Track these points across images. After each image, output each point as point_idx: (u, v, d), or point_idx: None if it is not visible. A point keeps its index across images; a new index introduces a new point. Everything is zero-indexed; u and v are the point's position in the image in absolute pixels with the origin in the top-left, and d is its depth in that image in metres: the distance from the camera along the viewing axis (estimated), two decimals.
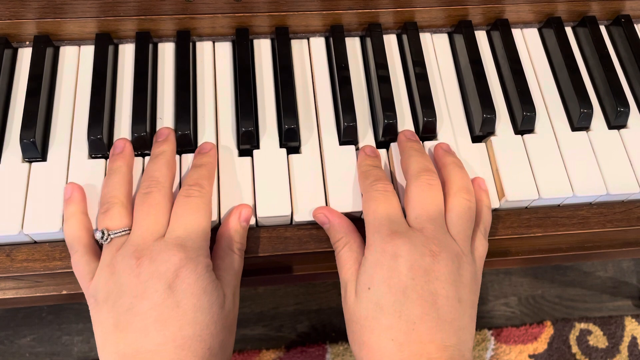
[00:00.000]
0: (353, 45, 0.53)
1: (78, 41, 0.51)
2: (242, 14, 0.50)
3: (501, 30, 0.53)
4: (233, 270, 0.42)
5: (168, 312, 0.37)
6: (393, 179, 0.46)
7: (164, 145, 0.45)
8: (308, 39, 0.53)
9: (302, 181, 0.45)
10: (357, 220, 0.45)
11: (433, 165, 0.44)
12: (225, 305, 0.40)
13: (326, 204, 0.45)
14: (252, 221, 0.44)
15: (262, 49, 0.52)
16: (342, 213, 0.44)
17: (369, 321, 0.38)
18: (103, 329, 0.38)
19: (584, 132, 0.50)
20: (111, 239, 0.40)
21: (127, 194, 0.42)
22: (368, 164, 0.45)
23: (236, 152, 0.47)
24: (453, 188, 0.43)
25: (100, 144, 0.45)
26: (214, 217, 0.43)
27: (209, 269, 0.40)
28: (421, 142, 0.48)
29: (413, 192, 0.42)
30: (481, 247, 0.43)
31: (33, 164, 0.45)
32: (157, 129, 0.47)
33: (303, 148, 0.47)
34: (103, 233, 0.40)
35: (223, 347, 0.40)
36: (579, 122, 0.49)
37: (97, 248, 0.42)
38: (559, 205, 0.48)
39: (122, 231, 0.40)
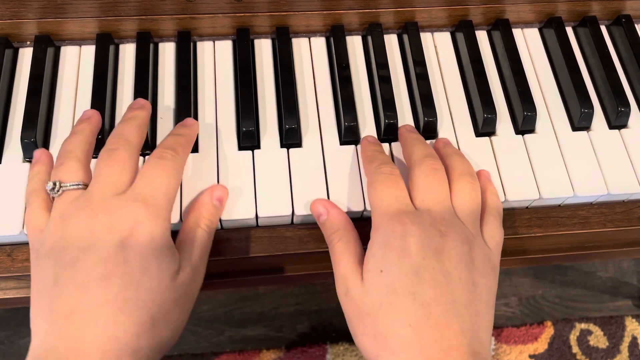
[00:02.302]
0: (354, 45, 0.53)
1: (79, 41, 0.51)
2: (242, 14, 0.51)
3: (502, 30, 0.53)
4: (197, 244, 0.40)
5: (114, 269, 0.35)
6: None
7: (138, 111, 0.43)
8: (309, 39, 0.53)
9: (302, 181, 0.45)
10: (357, 220, 0.45)
11: (436, 153, 0.44)
12: (178, 277, 0.37)
13: None
14: (253, 219, 0.44)
15: (263, 48, 0.52)
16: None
17: (383, 307, 0.36)
18: (40, 285, 0.36)
19: (584, 132, 0.50)
20: (62, 191, 0.38)
21: (85, 152, 0.40)
22: (372, 149, 0.45)
23: (237, 151, 0.47)
24: (455, 173, 0.42)
25: (100, 144, 0.45)
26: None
27: (166, 234, 0.38)
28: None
29: (418, 177, 0.41)
30: (497, 234, 0.42)
31: None
32: (158, 128, 0.47)
33: (304, 147, 0.47)
34: (54, 184, 0.38)
35: (168, 320, 0.37)
36: (580, 122, 0.49)
37: None
38: (559, 205, 0.48)
39: (75, 184, 0.38)
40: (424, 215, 0.39)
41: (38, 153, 0.42)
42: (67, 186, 0.38)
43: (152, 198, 0.37)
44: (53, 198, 0.39)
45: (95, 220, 0.36)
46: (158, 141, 0.47)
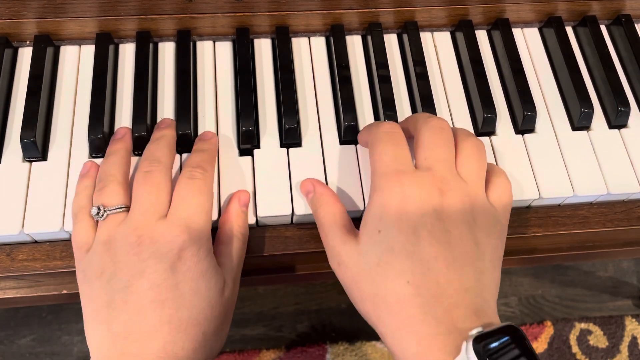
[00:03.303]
0: (353, 45, 0.53)
1: (78, 41, 0.51)
2: (242, 14, 0.50)
3: (502, 29, 0.53)
4: (236, 255, 0.42)
5: (166, 293, 0.37)
6: None
7: (166, 130, 0.44)
8: (309, 39, 0.53)
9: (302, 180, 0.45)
10: (356, 220, 0.45)
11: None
12: (224, 292, 0.40)
13: None
14: (252, 220, 0.44)
15: (263, 48, 0.52)
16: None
17: (381, 266, 0.36)
18: (94, 305, 0.38)
19: (584, 132, 0.50)
20: (107, 215, 0.39)
21: (124, 174, 0.42)
22: (373, 123, 0.44)
23: (237, 151, 0.47)
24: (461, 136, 0.41)
25: (100, 144, 0.45)
26: (215, 217, 0.43)
27: (210, 253, 0.39)
28: None
29: (423, 135, 0.40)
30: (504, 195, 0.40)
31: (33, 163, 0.45)
32: None
33: (304, 147, 0.47)
34: (99, 209, 0.39)
35: (217, 333, 0.39)
36: (580, 121, 0.49)
37: None
38: (559, 205, 0.48)
39: (118, 208, 0.39)
40: (424, 174, 0.38)
41: (87, 166, 0.44)
42: (111, 210, 0.39)
43: (193, 220, 0.39)
44: (97, 221, 0.40)
45: (143, 247, 0.37)
46: None
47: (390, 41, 0.54)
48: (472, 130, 0.49)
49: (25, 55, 0.50)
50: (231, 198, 0.43)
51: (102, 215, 0.39)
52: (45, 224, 0.42)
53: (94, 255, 0.39)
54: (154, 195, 0.39)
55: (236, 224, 0.42)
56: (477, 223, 0.37)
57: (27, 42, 0.50)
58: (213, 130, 0.47)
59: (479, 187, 0.39)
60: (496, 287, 0.37)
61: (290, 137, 0.46)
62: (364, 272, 0.37)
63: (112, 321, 0.37)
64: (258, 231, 0.45)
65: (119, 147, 0.44)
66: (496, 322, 0.35)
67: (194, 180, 0.40)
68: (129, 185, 0.42)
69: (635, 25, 0.55)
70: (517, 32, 0.55)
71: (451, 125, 0.49)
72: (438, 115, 0.48)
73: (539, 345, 1.10)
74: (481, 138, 0.49)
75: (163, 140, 0.43)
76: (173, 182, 0.41)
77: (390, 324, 0.35)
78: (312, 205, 0.43)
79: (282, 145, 0.47)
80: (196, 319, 0.37)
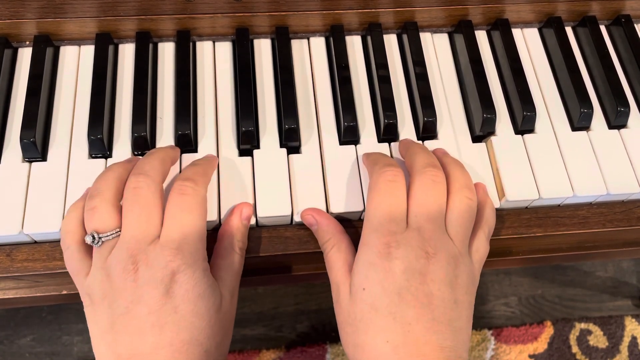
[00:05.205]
0: (353, 45, 0.53)
1: (78, 41, 0.51)
2: (242, 14, 0.51)
3: (501, 30, 0.53)
4: (233, 269, 0.42)
5: (165, 317, 0.37)
6: None
7: (161, 148, 0.44)
8: (308, 39, 0.53)
9: (302, 181, 0.45)
10: (357, 221, 0.45)
11: (439, 163, 0.43)
12: (222, 307, 0.40)
13: (326, 204, 0.45)
14: (253, 221, 0.44)
15: (262, 48, 0.52)
16: (342, 212, 0.44)
17: (363, 323, 0.38)
18: (99, 328, 0.38)
19: (584, 132, 0.50)
20: (102, 242, 0.38)
21: (115, 190, 0.40)
22: (376, 153, 0.45)
23: (236, 152, 0.47)
24: (455, 185, 0.42)
25: (100, 144, 0.45)
26: (214, 217, 0.43)
27: (206, 273, 0.39)
28: (421, 142, 0.48)
29: (416, 188, 0.41)
30: (482, 248, 0.43)
31: (33, 163, 0.45)
32: (157, 128, 0.47)
33: (303, 148, 0.47)
34: (94, 237, 0.38)
35: (219, 347, 0.40)
36: (579, 122, 0.49)
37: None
38: (559, 205, 0.48)
39: (113, 233, 0.38)
40: (413, 236, 0.39)
41: (86, 191, 0.43)
42: (106, 236, 0.38)
43: (186, 242, 0.38)
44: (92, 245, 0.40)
45: (138, 273, 0.37)
46: (157, 141, 0.47)
47: (390, 41, 0.54)
48: (470, 132, 0.49)
49: (25, 55, 0.50)
50: (233, 210, 0.43)
51: (97, 243, 0.38)
52: (45, 224, 0.42)
53: (94, 281, 0.38)
54: (144, 217, 0.38)
55: (235, 239, 0.42)
56: (458, 282, 0.39)
57: (27, 43, 0.50)
58: (213, 130, 0.47)
59: (464, 246, 0.41)
60: (469, 342, 0.40)
61: (290, 137, 0.46)
62: (349, 320, 0.39)
63: (115, 343, 0.37)
64: (258, 231, 0.45)
65: (117, 166, 0.42)
66: None
67: (184, 197, 0.39)
68: (119, 203, 0.40)
69: (635, 25, 0.55)
70: (516, 33, 0.55)
71: (454, 140, 0.49)
72: (438, 116, 0.48)
73: (539, 345, 1.10)
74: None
75: (155, 153, 0.42)
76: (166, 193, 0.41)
77: None
78: (317, 237, 0.44)
79: (281, 146, 0.47)
80: (197, 339, 0.38)
